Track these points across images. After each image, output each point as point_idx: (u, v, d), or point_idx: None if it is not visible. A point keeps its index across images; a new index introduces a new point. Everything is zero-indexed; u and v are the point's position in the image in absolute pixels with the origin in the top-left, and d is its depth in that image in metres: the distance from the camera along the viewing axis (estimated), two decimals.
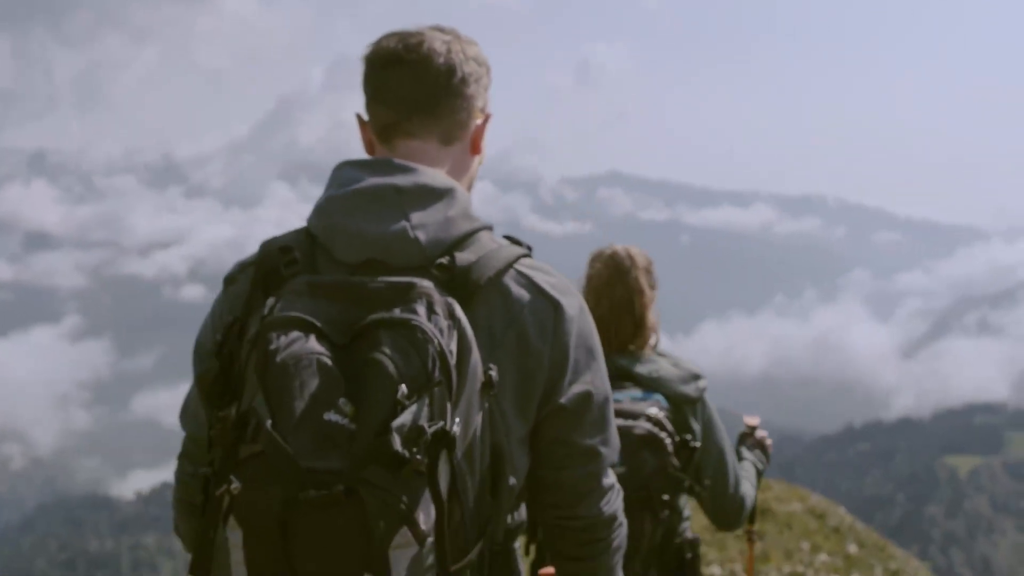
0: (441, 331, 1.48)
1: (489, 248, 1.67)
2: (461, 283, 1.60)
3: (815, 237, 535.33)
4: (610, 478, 1.83)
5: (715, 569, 9.60)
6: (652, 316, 3.18)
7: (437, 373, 1.44)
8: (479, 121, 1.83)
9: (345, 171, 1.70)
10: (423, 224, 1.63)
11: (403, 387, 1.41)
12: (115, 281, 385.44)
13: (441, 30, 1.80)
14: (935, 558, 74.57)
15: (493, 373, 1.56)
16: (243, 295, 1.68)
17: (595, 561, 1.85)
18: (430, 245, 1.62)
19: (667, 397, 3.00)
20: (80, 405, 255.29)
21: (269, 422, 1.41)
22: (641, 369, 3.06)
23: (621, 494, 1.87)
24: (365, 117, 1.82)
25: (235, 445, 1.47)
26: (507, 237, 1.78)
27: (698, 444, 2.95)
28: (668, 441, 2.88)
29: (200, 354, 1.77)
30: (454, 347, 1.49)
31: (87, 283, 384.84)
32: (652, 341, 3.20)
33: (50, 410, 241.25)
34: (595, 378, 1.75)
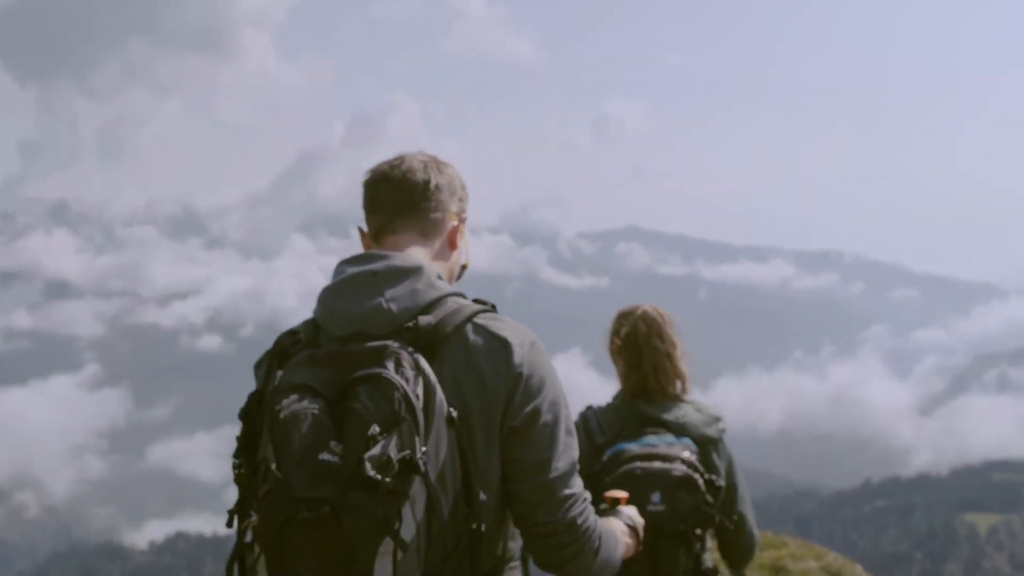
0: (407, 380, 1.92)
1: (451, 309, 2.10)
2: (425, 341, 2.03)
3: (833, 293, 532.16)
4: (572, 488, 2.13)
5: None
6: (684, 366, 3.56)
7: (403, 413, 1.87)
8: (454, 223, 2.30)
9: (338, 267, 2.17)
10: (395, 297, 2.08)
11: (375, 426, 1.84)
12: (133, 330, 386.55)
13: (422, 154, 2.32)
14: None
15: (455, 413, 1.98)
16: (264, 373, 2.15)
17: (568, 565, 2.17)
18: (401, 313, 2.07)
19: (694, 440, 3.35)
20: (96, 454, 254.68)
21: (274, 465, 1.88)
22: (669, 416, 3.41)
23: (587, 502, 2.17)
24: (364, 228, 2.31)
25: (253, 487, 1.96)
26: (476, 300, 2.18)
27: (723, 483, 3.29)
28: (700, 481, 3.20)
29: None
30: (420, 392, 1.92)
31: (105, 332, 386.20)
32: (685, 388, 3.56)
33: (66, 458, 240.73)
34: (544, 401, 2.10)
